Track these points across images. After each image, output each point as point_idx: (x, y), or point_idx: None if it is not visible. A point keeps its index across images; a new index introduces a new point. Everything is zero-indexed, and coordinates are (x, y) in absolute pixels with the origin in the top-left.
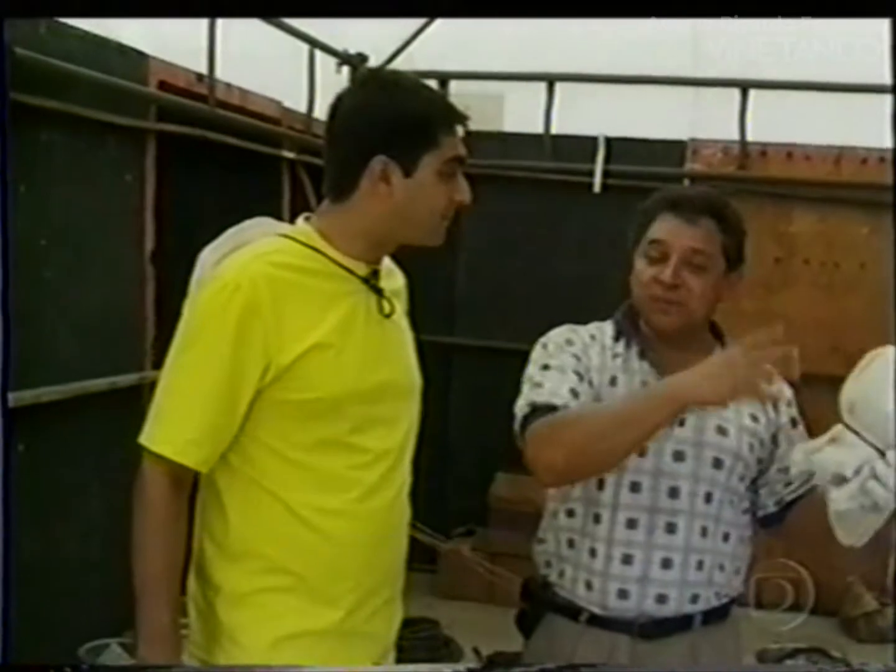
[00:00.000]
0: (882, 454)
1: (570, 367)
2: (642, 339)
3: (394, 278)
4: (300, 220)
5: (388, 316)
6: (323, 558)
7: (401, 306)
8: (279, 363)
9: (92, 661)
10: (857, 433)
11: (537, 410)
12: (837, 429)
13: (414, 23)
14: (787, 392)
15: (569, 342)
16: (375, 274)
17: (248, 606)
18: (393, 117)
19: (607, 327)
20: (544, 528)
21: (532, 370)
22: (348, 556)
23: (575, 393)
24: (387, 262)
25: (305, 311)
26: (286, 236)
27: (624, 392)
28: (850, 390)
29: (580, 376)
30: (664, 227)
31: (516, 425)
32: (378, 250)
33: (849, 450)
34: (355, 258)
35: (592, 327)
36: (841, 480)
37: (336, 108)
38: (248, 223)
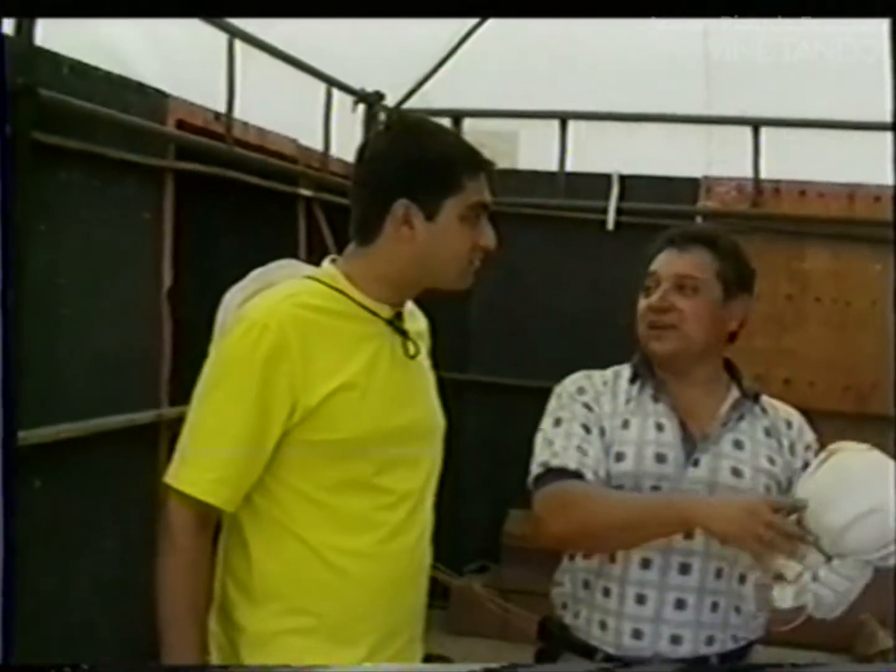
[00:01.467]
0: (829, 559)
1: (580, 419)
2: (657, 382)
3: (416, 320)
4: (326, 263)
5: (413, 357)
6: (346, 599)
7: (424, 347)
8: (306, 404)
9: None
10: (808, 532)
11: (550, 472)
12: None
13: (430, 61)
14: (808, 437)
15: (581, 391)
16: (399, 316)
17: (271, 648)
18: (415, 161)
19: (625, 371)
20: (561, 571)
21: (545, 424)
22: (371, 598)
23: (583, 450)
24: (410, 305)
25: (331, 353)
26: (312, 278)
27: (635, 436)
28: (803, 489)
29: (587, 430)
30: (658, 260)
31: (530, 482)
32: (402, 293)
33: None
34: (379, 301)
35: (609, 372)
36: (782, 580)
37: (363, 152)
38: (273, 265)
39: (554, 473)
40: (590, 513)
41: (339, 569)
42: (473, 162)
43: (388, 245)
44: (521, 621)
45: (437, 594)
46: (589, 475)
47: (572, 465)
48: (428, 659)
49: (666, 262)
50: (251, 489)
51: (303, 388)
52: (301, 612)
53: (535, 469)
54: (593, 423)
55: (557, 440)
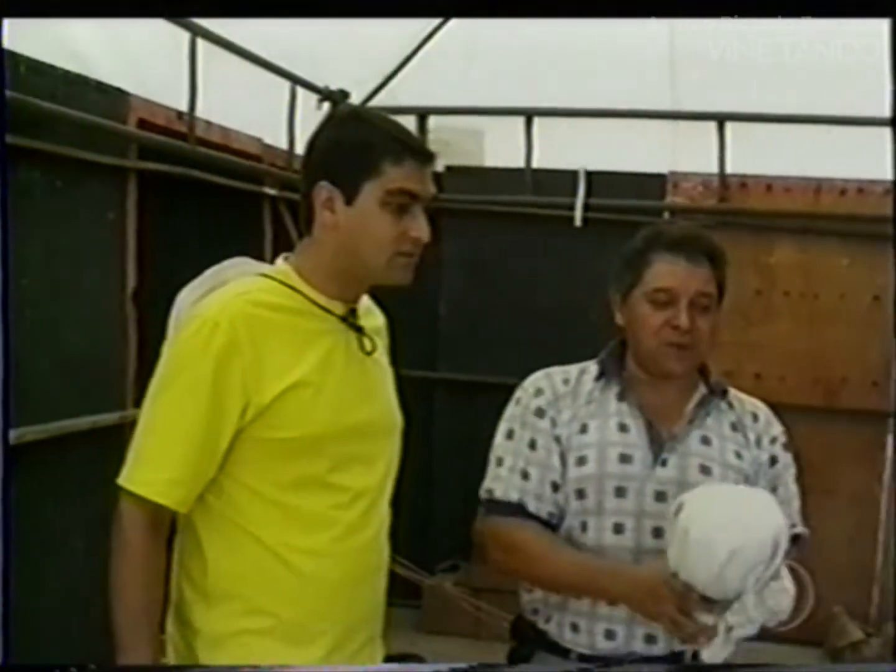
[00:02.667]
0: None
1: (530, 432)
2: (623, 380)
3: (373, 317)
4: (280, 260)
5: (369, 354)
6: (302, 599)
7: (382, 344)
8: (258, 402)
9: None
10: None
11: (494, 502)
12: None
13: (395, 59)
14: (774, 429)
15: (538, 392)
16: (353, 312)
17: (227, 648)
18: (335, 144)
19: (592, 367)
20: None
21: (499, 433)
22: (328, 596)
23: (526, 476)
24: (366, 301)
25: (285, 350)
26: (265, 275)
27: (595, 439)
28: (670, 559)
29: (534, 446)
30: (669, 272)
31: (480, 501)
32: (351, 289)
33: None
34: (331, 297)
35: (574, 369)
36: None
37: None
38: (226, 263)
39: (498, 505)
40: (526, 564)
41: (294, 567)
42: (397, 148)
43: (320, 234)
44: (492, 620)
45: (409, 593)
46: (530, 504)
47: (515, 498)
48: (400, 658)
49: (682, 278)
50: (205, 489)
51: (255, 385)
52: (257, 612)
53: (482, 491)
54: (544, 434)
55: (506, 459)
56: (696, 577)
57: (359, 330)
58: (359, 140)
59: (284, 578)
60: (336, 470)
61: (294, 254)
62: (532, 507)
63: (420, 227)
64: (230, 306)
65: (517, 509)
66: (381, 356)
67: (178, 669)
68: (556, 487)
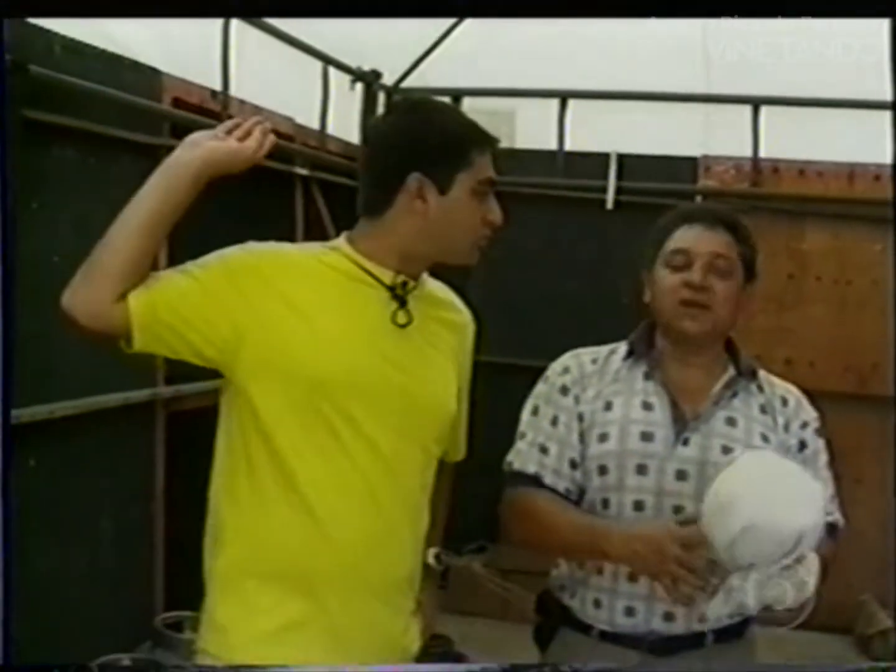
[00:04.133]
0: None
1: (553, 409)
2: (652, 359)
3: (450, 311)
4: (341, 237)
5: (402, 326)
6: (318, 552)
7: (452, 338)
8: (260, 316)
9: None
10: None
11: (513, 474)
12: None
13: (427, 39)
14: (805, 414)
15: (565, 371)
16: (404, 285)
17: (233, 594)
18: (429, 136)
19: (622, 347)
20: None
21: (526, 409)
22: (339, 554)
23: (544, 450)
24: (450, 296)
25: (309, 290)
26: (322, 245)
27: (618, 416)
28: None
29: (555, 422)
30: (685, 236)
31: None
32: (410, 265)
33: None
34: (384, 267)
35: (605, 349)
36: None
37: (372, 130)
38: (297, 244)
39: (516, 477)
40: (537, 530)
41: (318, 521)
42: (481, 138)
43: (401, 219)
44: (520, 601)
45: (436, 573)
46: (547, 478)
47: (531, 469)
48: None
49: (698, 240)
50: (228, 439)
51: (261, 301)
52: (265, 558)
53: (504, 464)
54: (566, 412)
55: (528, 433)
56: (711, 535)
57: (402, 302)
58: (449, 132)
59: (301, 528)
60: (356, 427)
61: (354, 232)
62: (548, 480)
63: (497, 213)
64: (271, 245)
65: (533, 481)
66: (439, 342)
67: (183, 669)
68: (573, 464)
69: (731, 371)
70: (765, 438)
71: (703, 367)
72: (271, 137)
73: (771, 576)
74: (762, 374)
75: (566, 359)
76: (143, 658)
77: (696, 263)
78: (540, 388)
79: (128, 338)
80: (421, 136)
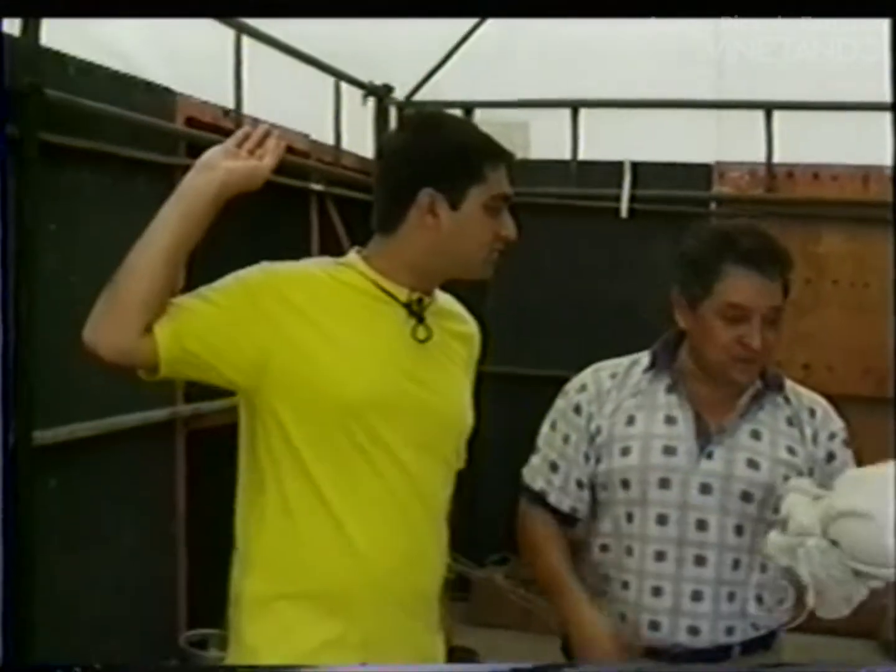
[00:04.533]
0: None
1: (566, 427)
2: (675, 373)
3: (459, 322)
4: (352, 252)
5: (421, 342)
6: (347, 570)
7: (463, 351)
8: (284, 337)
9: None
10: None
11: (523, 487)
12: (827, 493)
13: (439, 52)
14: (833, 425)
15: (582, 388)
16: (420, 302)
17: (265, 616)
18: (441, 152)
19: (644, 358)
20: (585, 565)
21: (545, 422)
22: (371, 572)
23: (554, 467)
24: (456, 307)
25: (330, 309)
26: (335, 261)
27: (640, 430)
28: (856, 473)
29: (567, 440)
30: (742, 288)
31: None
32: (424, 281)
33: (811, 514)
34: (399, 284)
35: (626, 361)
36: (783, 525)
37: (385, 145)
38: (308, 260)
39: (525, 491)
40: (529, 556)
41: (347, 537)
42: (495, 152)
43: (413, 234)
44: (543, 612)
45: (459, 586)
46: (551, 496)
47: (538, 486)
48: (452, 652)
49: (758, 295)
50: (256, 458)
51: (285, 321)
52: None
53: (524, 475)
54: (579, 431)
55: (543, 449)
56: (831, 499)
57: (420, 318)
58: (461, 147)
59: (333, 547)
60: (383, 445)
61: (367, 248)
62: (552, 498)
63: (511, 227)
64: (287, 264)
65: (538, 498)
66: (454, 355)
67: (187, 669)
68: (580, 484)
69: (758, 383)
70: (791, 451)
71: (728, 381)
72: (283, 146)
73: (840, 567)
74: (789, 384)
75: (585, 375)
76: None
77: (753, 319)
78: (558, 403)
79: (152, 368)
80: (432, 150)
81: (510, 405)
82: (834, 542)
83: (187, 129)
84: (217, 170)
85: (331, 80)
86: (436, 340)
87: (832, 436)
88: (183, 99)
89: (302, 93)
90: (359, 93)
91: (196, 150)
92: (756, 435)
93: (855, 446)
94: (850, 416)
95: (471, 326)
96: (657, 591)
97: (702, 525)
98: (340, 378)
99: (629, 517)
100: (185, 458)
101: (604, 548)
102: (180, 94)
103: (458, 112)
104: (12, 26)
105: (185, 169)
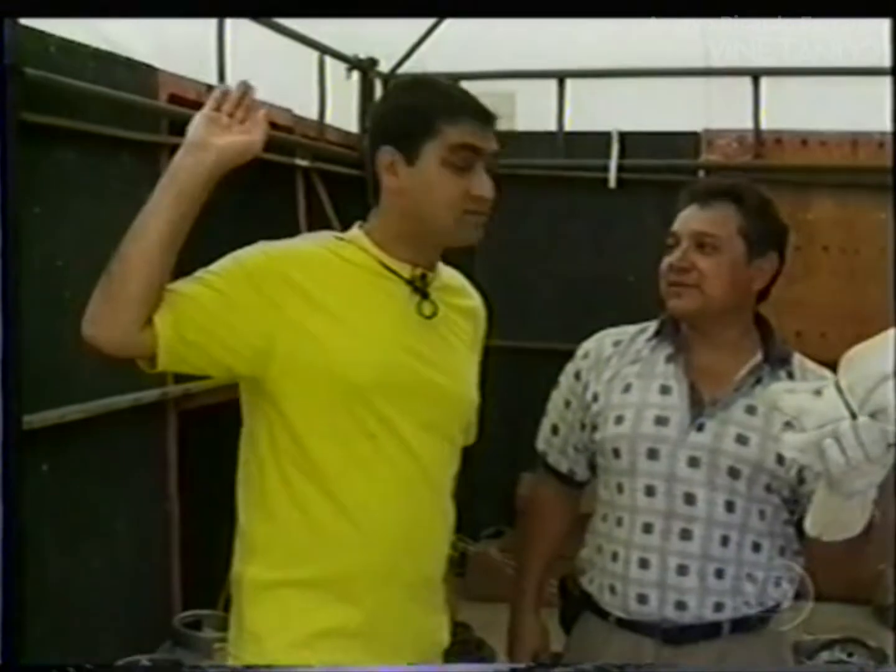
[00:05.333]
0: (854, 417)
1: (566, 391)
2: (678, 341)
3: (464, 297)
4: (354, 228)
5: (428, 318)
6: (351, 553)
7: (468, 326)
8: (290, 318)
9: None
10: (840, 391)
11: (537, 451)
12: (825, 383)
13: (423, 25)
14: None
15: (585, 355)
16: (423, 278)
17: (267, 601)
18: (392, 109)
19: (651, 327)
20: (587, 534)
21: (557, 385)
22: (376, 557)
23: (555, 429)
24: (460, 280)
25: (334, 287)
26: (336, 236)
27: (635, 399)
28: (856, 348)
29: (568, 404)
30: (679, 218)
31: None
32: (422, 253)
33: (823, 403)
34: (401, 260)
35: (632, 329)
36: (799, 427)
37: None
38: (309, 235)
39: (543, 464)
40: (520, 517)
41: (352, 519)
42: (452, 107)
43: (386, 199)
44: None
45: (454, 561)
46: (551, 457)
47: (541, 447)
48: None
49: (685, 220)
50: (258, 439)
51: (288, 302)
52: (301, 563)
53: (538, 440)
54: (577, 398)
55: (550, 412)
56: (862, 365)
57: (424, 294)
58: (415, 103)
59: (337, 533)
60: (389, 427)
61: (368, 222)
62: (551, 458)
63: (482, 185)
64: (290, 242)
65: (541, 459)
66: (459, 331)
67: (191, 669)
68: (577, 448)
69: (759, 356)
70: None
71: (730, 352)
72: (266, 113)
73: (880, 443)
74: (797, 359)
75: (590, 341)
76: (162, 658)
77: (681, 244)
78: (567, 367)
79: (152, 359)
80: (389, 110)
81: (500, 377)
82: (872, 416)
83: (170, 106)
84: (209, 149)
85: (314, 54)
86: (441, 316)
87: None
88: (165, 75)
89: (285, 67)
90: (343, 66)
91: (179, 127)
92: (750, 410)
93: None
94: None
95: (476, 301)
96: (644, 564)
97: (689, 499)
98: (347, 360)
99: (619, 487)
100: (177, 438)
101: (604, 518)
102: (162, 70)
103: None
104: None
105: (173, 149)
